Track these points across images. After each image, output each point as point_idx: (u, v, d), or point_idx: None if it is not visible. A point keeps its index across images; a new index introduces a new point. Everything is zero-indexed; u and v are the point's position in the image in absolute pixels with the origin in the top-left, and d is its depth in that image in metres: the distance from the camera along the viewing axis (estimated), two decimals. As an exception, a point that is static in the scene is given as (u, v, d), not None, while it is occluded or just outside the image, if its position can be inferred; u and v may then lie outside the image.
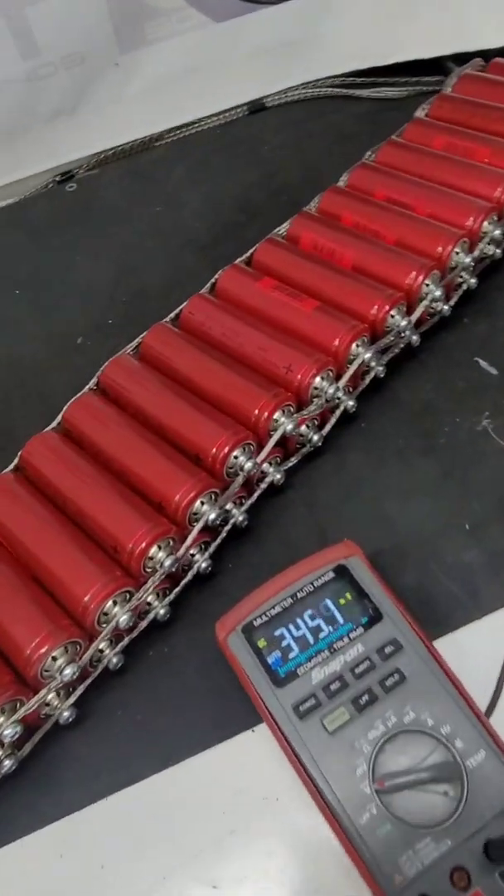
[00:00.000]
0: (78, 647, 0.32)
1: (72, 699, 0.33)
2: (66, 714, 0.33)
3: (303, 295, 0.42)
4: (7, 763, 0.32)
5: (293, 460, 0.40)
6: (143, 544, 0.33)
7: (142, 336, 0.43)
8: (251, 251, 0.46)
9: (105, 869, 0.31)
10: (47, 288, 0.56)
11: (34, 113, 0.62)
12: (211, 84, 0.66)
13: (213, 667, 0.35)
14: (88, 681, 0.34)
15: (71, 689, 0.33)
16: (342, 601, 0.33)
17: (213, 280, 0.45)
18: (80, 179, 0.66)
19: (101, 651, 0.33)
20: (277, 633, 0.32)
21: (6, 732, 0.30)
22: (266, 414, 0.37)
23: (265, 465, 0.38)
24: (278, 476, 0.39)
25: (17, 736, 0.30)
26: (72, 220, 0.62)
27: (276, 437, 0.37)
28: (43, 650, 0.31)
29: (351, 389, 0.41)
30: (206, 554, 0.36)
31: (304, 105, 0.67)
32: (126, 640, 0.35)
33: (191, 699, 0.35)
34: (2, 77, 0.57)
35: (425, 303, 0.42)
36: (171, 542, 0.34)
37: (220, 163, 0.64)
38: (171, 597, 0.36)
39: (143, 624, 0.35)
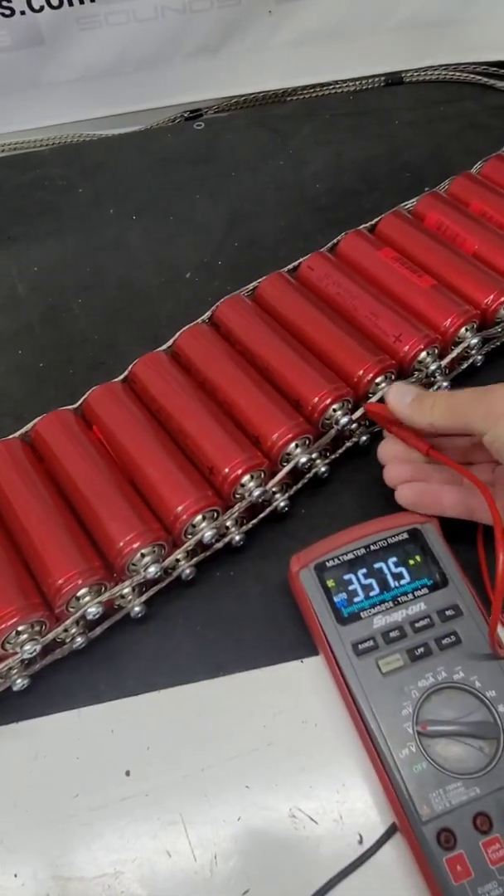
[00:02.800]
0: (163, 550, 0.35)
1: (144, 597, 0.36)
2: (136, 609, 0.35)
3: (421, 270, 0.43)
4: (79, 640, 0.35)
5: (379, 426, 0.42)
6: (239, 471, 0.35)
7: (259, 280, 0.45)
8: (376, 220, 0.48)
9: (150, 750, 0.34)
10: (163, 219, 0.58)
11: (179, 45, 0.63)
12: (353, 49, 0.66)
13: (273, 598, 0.38)
14: (162, 584, 0.37)
15: (144, 589, 0.36)
16: (411, 562, 0.35)
17: (335, 241, 0.47)
18: (208, 120, 0.67)
19: (178, 560, 0.36)
20: (346, 577, 0.34)
21: (90, 610, 0.33)
22: (370, 376, 0.38)
23: (354, 425, 0.40)
24: (364, 438, 0.41)
25: (97, 616, 0.33)
26: (195, 158, 0.63)
27: (374, 398, 0.39)
28: (135, 546, 0.34)
29: (447, 371, 0.43)
30: (286, 495, 0.39)
31: (442, 87, 0.67)
32: (201, 556, 0.37)
33: (248, 622, 0.37)
34: (160, 3, 0.58)
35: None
36: (262, 475, 0.37)
37: (348, 129, 0.64)
38: (248, 526, 0.38)
39: (219, 545, 0.37)
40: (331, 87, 0.67)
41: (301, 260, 0.46)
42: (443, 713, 0.30)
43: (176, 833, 0.32)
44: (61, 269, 0.56)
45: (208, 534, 0.35)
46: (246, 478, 0.36)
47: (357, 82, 0.67)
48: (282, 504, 0.38)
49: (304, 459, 0.37)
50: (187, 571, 0.37)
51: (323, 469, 0.39)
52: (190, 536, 0.35)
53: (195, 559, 0.37)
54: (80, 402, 0.41)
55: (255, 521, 0.38)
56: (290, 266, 0.46)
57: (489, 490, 0.32)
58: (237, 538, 0.37)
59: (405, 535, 0.35)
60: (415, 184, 0.58)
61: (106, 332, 0.51)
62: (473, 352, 0.42)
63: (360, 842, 0.31)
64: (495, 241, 0.44)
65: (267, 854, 0.31)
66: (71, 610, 0.33)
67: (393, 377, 0.40)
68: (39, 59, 0.61)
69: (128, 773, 0.34)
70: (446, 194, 0.49)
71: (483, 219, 0.46)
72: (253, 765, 0.33)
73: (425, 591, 0.34)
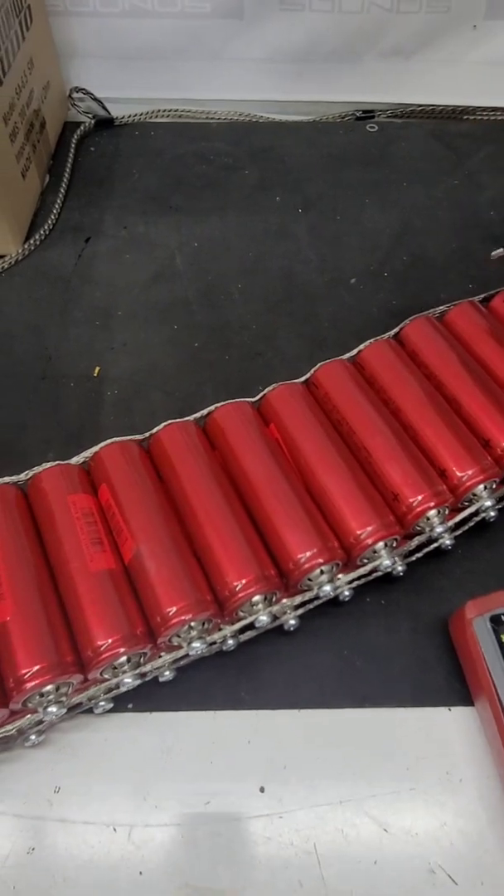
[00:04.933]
0: (337, 569, 0.34)
1: (301, 610, 0.35)
2: (292, 622, 0.34)
3: None
4: (230, 642, 0.34)
5: (552, 480, 0.40)
6: (429, 504, 0.34)
7: (448, 306, 0.43)
8: None
9: (287, 770, 0.33)
10: (331, 218, 0.57)
11: (375, 43, 0.61)
12: (544, 78, 0.64)
13: (424, 636, 0.36)
14: (319, 601, 0.35)
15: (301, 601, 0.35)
16: None
17: (530, 278, 0.45)
18: (381, 123, 0.65)
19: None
20: (521, 635, 0.33)
21: (262, 619, 0.32)
22: None
23: (533, 475, 0.39)
24: (537, 489, 0.39)
25: (266, 625, 0.32)
26: (367, 161, 0.61)
27: None
28: (315, 562, 0.32)
29: None
30: (454, 534, 0.37)
31: None
32: (363, 580, 0.36)
33: (396, 656, 0.36)
34: (371, -2, 0.57)
35: None
36: (446, 512, 0.35)
37: (527, 160, 0.62)
38: (412, 558, 0.37)
39: (379, 572, 0.36)
40: (512, 113, 0.65)
41: (494, 292, 0.44)
42: None
43: (310, 864, 0.31)
44: (222, 249, 0.54)
45: (386, 562, 0.34)
46: (432, 512, 0.34)
47: (541, 113, 0.65)
48: (447, 542, 0.37)
49: (489, 503, 0.36)
50: (346, 593, 0.35)
51: (493, 514, 0.38)
52: (366, 561, 0.34)
53: (356, 582, 0.36)
54: (259, 396, 0.39)
55: (419, 554, 0.37)
56: (482, 296, 0.44)
57: None
58: (399, 568, 0.36)
59: None
60: None
61: (265, 322, 0.50)
62: None
63: (501, 914, 0.30)
64: None
65: (402, 906, 0.30)
66: (242, 614, 0.32)
67: None
68: (233, 32, 0.60)
69: (262, 790, 0.32)
70: None
71: None
72: (392, 807, 0.32)
73: None
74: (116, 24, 0.60)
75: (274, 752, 0.33)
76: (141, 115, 0.64)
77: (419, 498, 0.34)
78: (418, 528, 0.35)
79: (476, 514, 0.37)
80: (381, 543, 0.33)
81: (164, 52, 0.61)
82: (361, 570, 0.34)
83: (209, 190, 0.59)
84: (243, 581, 0.31)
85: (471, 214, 0.57)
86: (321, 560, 0.32)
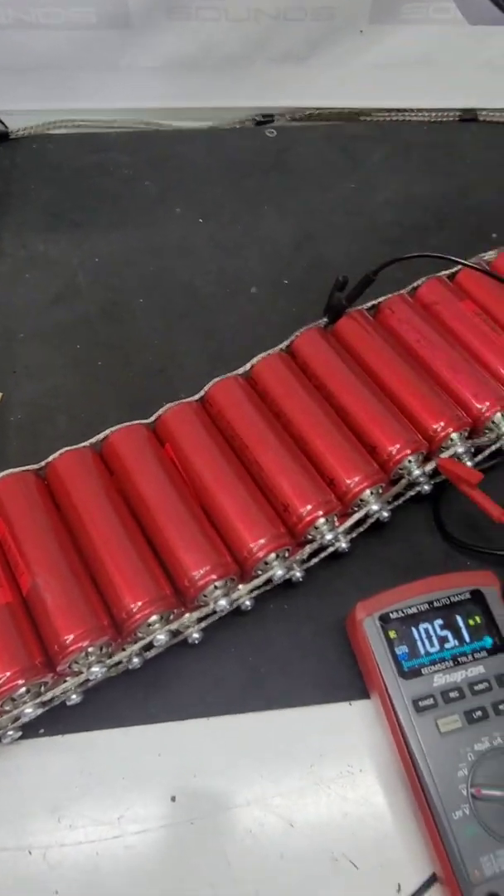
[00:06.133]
0: (233, 583, 0.35)
1: (204, 623, 0.36)
2: (196, 635, 0.36)
3: (500, 329, 0.44)
4: (136, 661, 0.35)
5: (442, 477, 0.43)
6: (318, 514, 0.36)
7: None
8: (455, 269, 0.48)
9: (196, 778, 0.34)
10: (230, 227, 0.57)
11: (265, 49, 0.61)
12: (433, 79, 0.66)
13: (324, 636, 0.38)
14: (222, 614, 0.37)
15: (203, 615, 0.36)
16: (471, 622, 0.35)
17: (415, 285, 0.47)
18: (279, 127, 0.66)
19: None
20: (408, 630, 0.35)
21: (160, 637, 0.33)
22: (448, 431, 0.39)
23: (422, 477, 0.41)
24: (427, 488, 0.41)
25: (164, 644, 0.33)
26: (266, 167, 0.62)
27: (447, 453, 0.39)
28: (208, 579, 0.34)
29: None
30: (349, 537, 0.39)
31: (516, 131, 0.67)
32: (262, 589, 0.37)
33: (299, 658, 0.38)
34: (255, 5, 0.57)
35: None
36: (335, 519, 0.37)
37: (420, 159, 0.64)
38: (310, 564, 0.38)
39: (278, 581, 0.37)
40: (407, 113, 0.67)
41: (380, 300, 0.46)
42: (498, 777, 0.31)
43: (221, 866, 0.32)
44: (124, 265, 0.55)
45: (279, 573, 0.35)
46: (321, 521, 0.36)
47: (433, 113, 0.67)
48: (344, 545, 0.39)
49: (376, 507, 0.37)
50: (247, 603, 0.37)
51: (385, 514, 0.40)
52: (260, 573, 0.35)
53: (255, 592, 0.37)
54: (154, 417, 0.40)
55: (316, 559, 0.39)
56: (369, 304, 0.46)
57: None
58: (298, 575, 0.38)
59: (467, 595, 0.36)
60: (480, 228, 0.58)
61: (166, 337, 0.50)
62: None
63: (399, 890, 0.32)
64: None
65: (307, 895, 0.32)
66: (140, 635, 0.33)
67: (466, 434, 0.40)
68: (122, 42, 0.59)
69: (173, 799, 0.34)
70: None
71: None
72: (297, 803, 0.34)
73: (484, 653, 0.34)
74: (3, 36, 0.59)
75: (184, 762, 0.35)
76: (37, 126, 0.63)
77: (308, 508, 0.36)
78: (309, 537, 0.37)
79: (368, 517, 0.39)
80: (272, 555, 0.35)
81: (56, 63, 0.61)
82: (257, 581, 0.35)
83: (109, 204, 0.59)
84: (139, 602, 0.33)
85: (367, 218, 0.59)
86: (214, 576, 0.34)
